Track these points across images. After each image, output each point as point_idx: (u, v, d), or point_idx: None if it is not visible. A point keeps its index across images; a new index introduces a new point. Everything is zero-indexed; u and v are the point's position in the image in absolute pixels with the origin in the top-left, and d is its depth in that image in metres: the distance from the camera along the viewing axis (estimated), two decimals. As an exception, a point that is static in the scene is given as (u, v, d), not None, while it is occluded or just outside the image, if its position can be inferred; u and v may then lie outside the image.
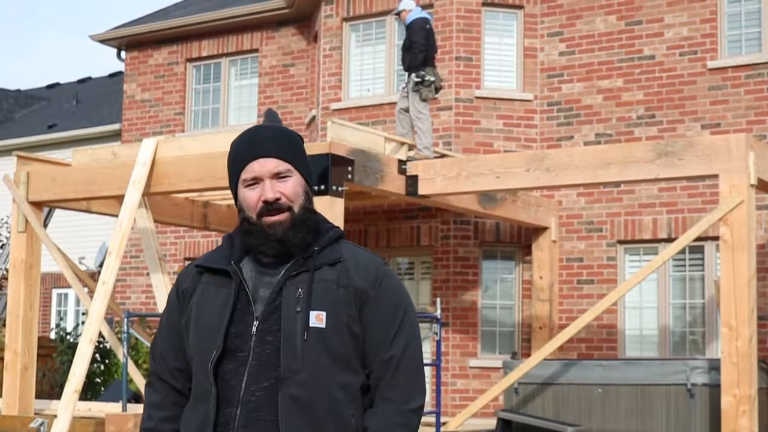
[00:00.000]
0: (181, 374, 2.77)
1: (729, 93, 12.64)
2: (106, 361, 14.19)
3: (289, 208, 2.68)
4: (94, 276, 16.28)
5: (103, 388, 13.81)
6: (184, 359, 2.76)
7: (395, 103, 12.27)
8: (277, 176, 2.69)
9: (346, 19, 14.54)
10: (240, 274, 2.69)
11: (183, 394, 2.77)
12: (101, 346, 13.90)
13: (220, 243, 2.84)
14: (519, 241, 13.60)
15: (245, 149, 2.72)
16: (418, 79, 11.24)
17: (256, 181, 2.70)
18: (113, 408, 11.09)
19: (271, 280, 2.68)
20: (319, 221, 2.77)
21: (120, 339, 11.03)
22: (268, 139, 2.72)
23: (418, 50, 11.21)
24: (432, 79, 11.30)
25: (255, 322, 2.64)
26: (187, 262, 16.03)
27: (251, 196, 2.69)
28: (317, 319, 2.62)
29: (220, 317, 2.66)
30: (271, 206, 2.67)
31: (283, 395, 2.58)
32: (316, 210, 2.78)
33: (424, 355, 7.39)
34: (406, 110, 11.59)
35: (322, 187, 9.38)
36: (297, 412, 2.57)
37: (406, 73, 11.57)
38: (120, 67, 19.88)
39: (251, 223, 2.69)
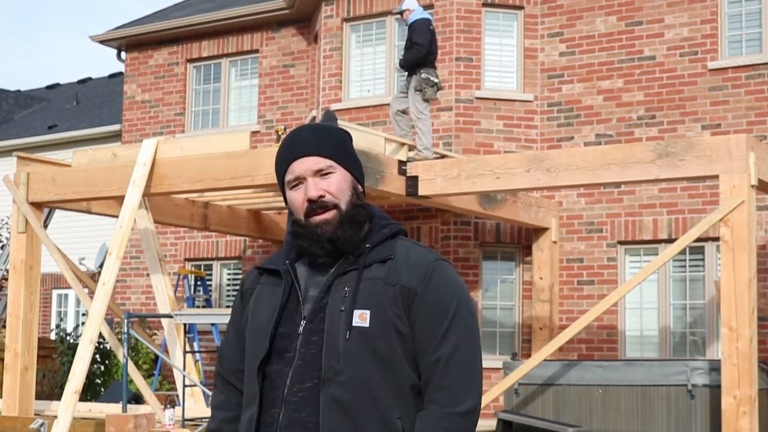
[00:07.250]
0: (243, 376, 2.74)
1: (729, 94, 12.63)
2: (107, 361, 14.18)
3: (336, 206, 2.63)
4: (95, 277, 16.28)
5: (103, 389, 13.80)
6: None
7: (394, 105, 12.24)
8: (319, 173, 2.64)
9: (346, 20, 14.53)
10: (292, 274, 2.66)
11: None
12: (101, 346, 13.89)
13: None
14: (519, 242, 13.59)
15: (286, 151, 2.70)
16: (424, 77, 11.18)
17: (299, 180, 2.66)
18: (113, 409, 11.09)
19: (322, 280, 2.64)
20: (374, 216, 2.71)
21: (120, 340, 11.02)
22: (306, 137, 2.68)
23: (423, 50, 11.16)
24: (435, 80, 11.28)
25: (302, 322, 2.60)
26: (187, 263, 16.14)
27: (297, 197, 2.65)
28: (360, 318, 2.55)
29: (269, 317, 2.64)
30: (315, 204, 2.62)
31: (325, 396, 2.52)
32: (366, 205, 2.71)
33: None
34: (404, 112, 11.55)
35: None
36: (339, 414, 2.52)
37: (405, 75, 11.54)
38: (120, 67, 19.87)
39: (300, 224, 2.65)
